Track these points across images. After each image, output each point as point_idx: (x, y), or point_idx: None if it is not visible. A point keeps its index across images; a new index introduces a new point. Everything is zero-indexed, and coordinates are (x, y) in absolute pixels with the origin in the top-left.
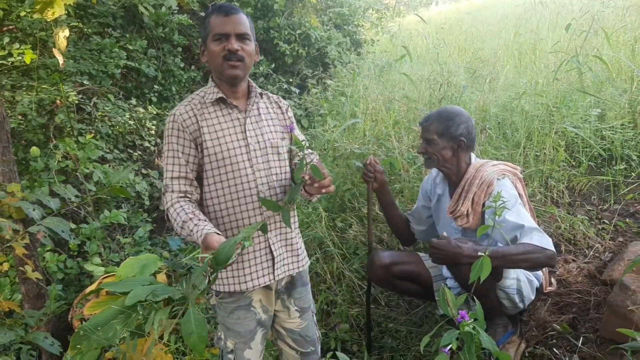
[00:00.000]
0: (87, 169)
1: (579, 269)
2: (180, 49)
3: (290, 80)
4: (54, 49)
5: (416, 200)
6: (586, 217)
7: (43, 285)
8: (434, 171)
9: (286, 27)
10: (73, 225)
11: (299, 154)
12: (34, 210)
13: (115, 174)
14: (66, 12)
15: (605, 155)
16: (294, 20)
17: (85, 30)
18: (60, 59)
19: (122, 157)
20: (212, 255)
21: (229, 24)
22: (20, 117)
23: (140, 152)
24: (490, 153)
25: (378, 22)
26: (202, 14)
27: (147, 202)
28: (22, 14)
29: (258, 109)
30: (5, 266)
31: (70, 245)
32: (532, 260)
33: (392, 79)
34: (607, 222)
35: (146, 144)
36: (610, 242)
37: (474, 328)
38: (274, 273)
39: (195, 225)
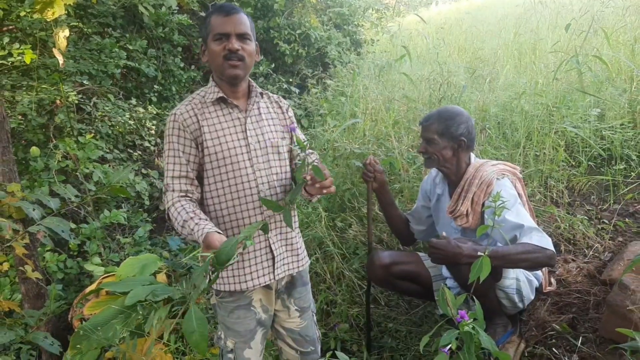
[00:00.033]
0: (87, 168)
1: (578, 269)
2: (180, 49)
3: (290, 80)
4: (54, 49)
5: (416, 200)
6: (586, 217)
7: (43, 285)
8: (433, 171)
9: (286, 27)
10: (73, 225)
11: (301, 154)
12: (34, 210)
13: (115, 173)
14: (66, 12)
15: (605, 155)
16: (294, 20)
17: (85, 30)
18: (60, 59)
19: (122, 157)
20: (214, 255)
21: (230, 23)
22: (20, 117)
23: (140, 152)
24: (490, 153)
25: (378, 22)
26: (202, 14)
27: (147, 202)
28: (22, 13)
29: (258, 108)
30: (5, 266)
31: (70, 245)
32: (531, 260)
33: (392, 79)
34: (606, 222)
35: (146, 143)
36: (610, 242)
37: (473, 328)
38: (274, 272)
39: (196, 224)
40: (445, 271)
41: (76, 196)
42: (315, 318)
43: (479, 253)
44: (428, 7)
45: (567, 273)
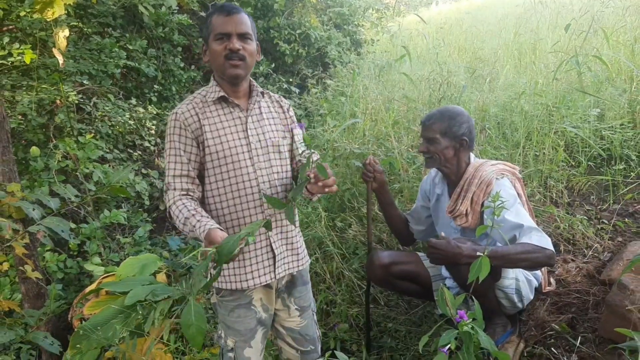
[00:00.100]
0: (87, 168)
1: (577, 269)
2: (180, 49)
3: (290, 80)
4: (53, 49)
5: (415, 200)
6: (585, 217)
7: (43, 285)
8: (432, 171)
9: (286, 27)
10: (73, 225)
11: (306, 152)
12: (33, 210)
13: (115, 173)
14: (66, 12)
15: (605, 155)
16: (294, 20)
17: (85, 30)
18: (60, 59)
19: (122, 157)
20: (216, 249)
21: (231, 23)
22: (20, 117)
23: (140, 152)
24: (490, 153)
25: (378, 22)
26: (202, 13)
27: (147, 202)
28: (22, 13)
29: (259, 107)
30: (5, 266)
31: (70, 245)
32: (531, 260)
33: (392, 79)
34: (606, 222)
35: (146, 143)
36: (609, 242)
37: (472, 328)
38: (274, 272)
39: (198, 221)
40: (444, 271)
41: (76, 196)
42: (315, 317)
43: (479, 253)
44: (428, 7)
45: (566, 273)
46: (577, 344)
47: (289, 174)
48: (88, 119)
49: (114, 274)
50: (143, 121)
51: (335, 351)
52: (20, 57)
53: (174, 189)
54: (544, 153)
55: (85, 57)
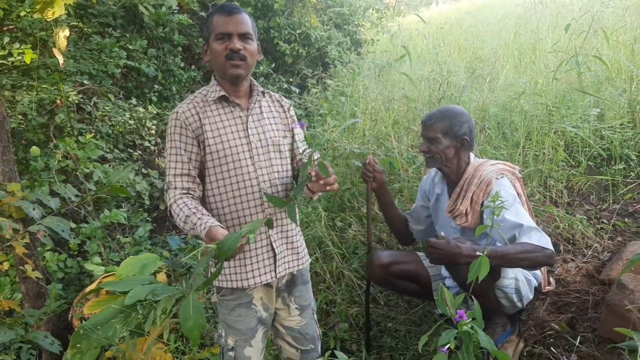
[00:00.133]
0: (87, 168)
1: (577, 269)
2: (180, 49)
3: (291, 80)
4: (54, 49)
5: (415, 199)
6: (585, 217)
7: (43, 285)
8: (432, 171)
9: (286, 27)
10: (73, 225)
11: (308, 150)
12: (34, 209)
13: (115, 173)
14: (66, 11)
15: (605, 155)
16: (294, 19)
17: (86, 30)
18: (61, 59)
19: (122, 157)
20: (217, 245)
21: (232, 23)
22: (20, 116)
23: (140, 152)
24: (490, 153)
25: (378, 21)
26: (202, 13)
27: (147, 202)
28: (22, 13)
29: (260, 107)
30: (6, 265)
31: (70, 245)
32: (530, 260)
33: (392, 79)
34: (605, 221)
35: (146, 143)
36: (609, 241)
37: (472, 327)
38: (275, 271)
39: (199, 219)
40: (444, 271)
41: (76, 196)
42: (315, 316)
43: (478, 253)
44: (428, 7)
45: (566, 273)
46: (577, 344)
47: (290, 174)
48: (88, 118)
49: (114, 274)
50: (143, 121)
51: (335, 351)
52: (20, 57)
53: (175, 188)
54: (543, 153)
55: (85, 57)
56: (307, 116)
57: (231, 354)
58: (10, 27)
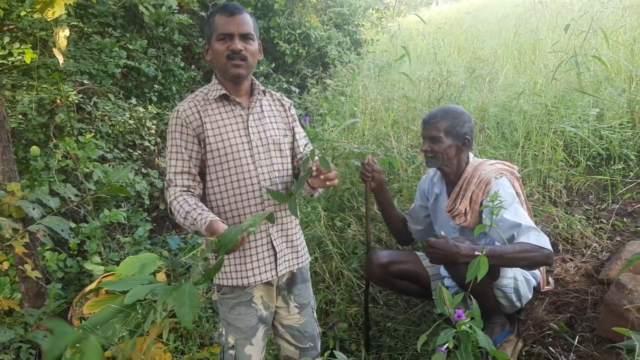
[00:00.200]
0: (87, 168)
1: (576, 268)
2: (180, 49)
3: (290, 79)
4: (54, 49)
5: (414, 199)
6: (584, 217)
7: (43, 284)
8: (431, 170)
9: (286, 27)
10: (73, 224)
11: (309, 145)
12: (33, 209)
13: (115, 173)
14: (66, 11)
15: (604, 154)
16: (294, 19)
17: (86, 29)
18: (61, 59)
19: (122, 157)
20: (217, 239)
21: (233, 24)
22: (20, 116)
23: (140, 152)
24: (489, 152)
25: (378, 21)
26: (203, 13)
27: (147, 202)
28: (23, 13)
29: (261, 106)
30: (5, 265)
31: (70, 244)
32: (529, 259)
33: (392, 79)
34: (604, 221)
35: (146, 143)
36: (608, 241)
37: (470, 327)
38: (276, 269)
39: (199, 214)
40: (443, 270)
41: (76, 195)
42: (315, 315)
43: (477, 252)
44: (428, 7)
45: (564, 272)
46: (576, 343)
47: (290, 172)
48: (88, 118)
49: (113, 273)
50: (143, 121)
51: (334, 350)
52: (20, 57)
53: (175, 186)
54: (543, 153)
55: (85, 57)
56: (307, 116)
57: (232, 352)
58: (11, 26)
